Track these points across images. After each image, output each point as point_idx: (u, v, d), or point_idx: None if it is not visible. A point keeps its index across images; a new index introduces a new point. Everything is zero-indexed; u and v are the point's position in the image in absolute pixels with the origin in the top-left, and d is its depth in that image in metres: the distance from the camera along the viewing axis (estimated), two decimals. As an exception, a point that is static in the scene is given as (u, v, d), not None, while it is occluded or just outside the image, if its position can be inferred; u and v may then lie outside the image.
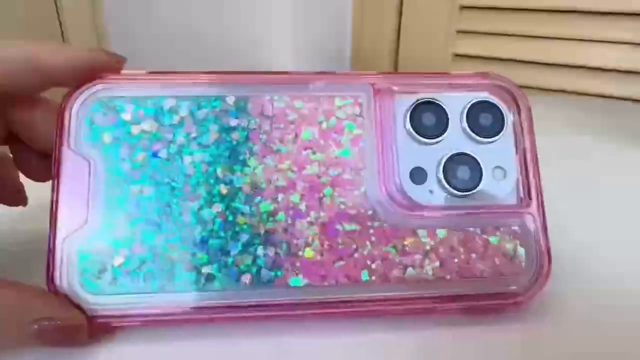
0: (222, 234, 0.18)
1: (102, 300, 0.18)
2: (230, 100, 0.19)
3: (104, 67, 0.19)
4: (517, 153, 0.20)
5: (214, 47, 0.58)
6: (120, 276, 0.18)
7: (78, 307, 0.17)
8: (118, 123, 0.19)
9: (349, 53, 0.60)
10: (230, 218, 0.18)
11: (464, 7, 0.53)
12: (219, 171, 0.19)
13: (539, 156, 0.20)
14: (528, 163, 0.20)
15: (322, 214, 0.19)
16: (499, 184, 0.20)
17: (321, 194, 0.19)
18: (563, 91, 0.51)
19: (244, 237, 0.18)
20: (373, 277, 0.18)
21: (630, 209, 0.28)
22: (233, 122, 0.19)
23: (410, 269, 0.19)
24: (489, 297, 0.19)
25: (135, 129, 0.19)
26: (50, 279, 0.18)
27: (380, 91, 0.20)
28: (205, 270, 0.18)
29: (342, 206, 0.19)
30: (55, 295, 0.17)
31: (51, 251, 0.18)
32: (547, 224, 0.19)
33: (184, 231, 0.18)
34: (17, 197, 0.23)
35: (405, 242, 0.19)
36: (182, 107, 0.19)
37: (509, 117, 0.20)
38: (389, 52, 0.57)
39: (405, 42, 0.56)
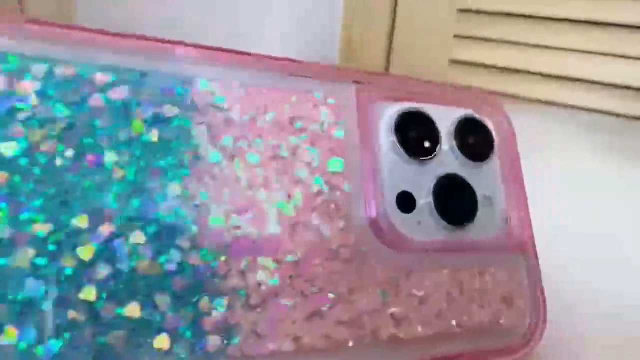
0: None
1: None
2: (163, 80, 0.13)
3: None
4: (503, 181, 0.17)
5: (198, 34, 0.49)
6: None
7: None
8: None
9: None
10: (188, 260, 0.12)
11: (462, 11, 0.48)
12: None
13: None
14: (517, 193, 0.17)
15: (295, 249, 0.13)
16: (488, 216, 0.17)
17: (293, 221, 0.14)
18: (565, 106, 0.46)
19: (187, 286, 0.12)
20: (360, 338, 0.14)
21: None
22: (169, 112, 0.13)
23: (402, 323, 0.14)
24: (492, 353, 0.15)
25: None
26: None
27: (364, 93, 0.16)
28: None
29: (321, 238, 0.14)
30: None
31: None
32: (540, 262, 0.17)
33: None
34: None
35: (397, 287, 0.15)
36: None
37: (496, 139, 0.18)
38: (381, 57, 0.52)
39: (398, 48, 0.51)
